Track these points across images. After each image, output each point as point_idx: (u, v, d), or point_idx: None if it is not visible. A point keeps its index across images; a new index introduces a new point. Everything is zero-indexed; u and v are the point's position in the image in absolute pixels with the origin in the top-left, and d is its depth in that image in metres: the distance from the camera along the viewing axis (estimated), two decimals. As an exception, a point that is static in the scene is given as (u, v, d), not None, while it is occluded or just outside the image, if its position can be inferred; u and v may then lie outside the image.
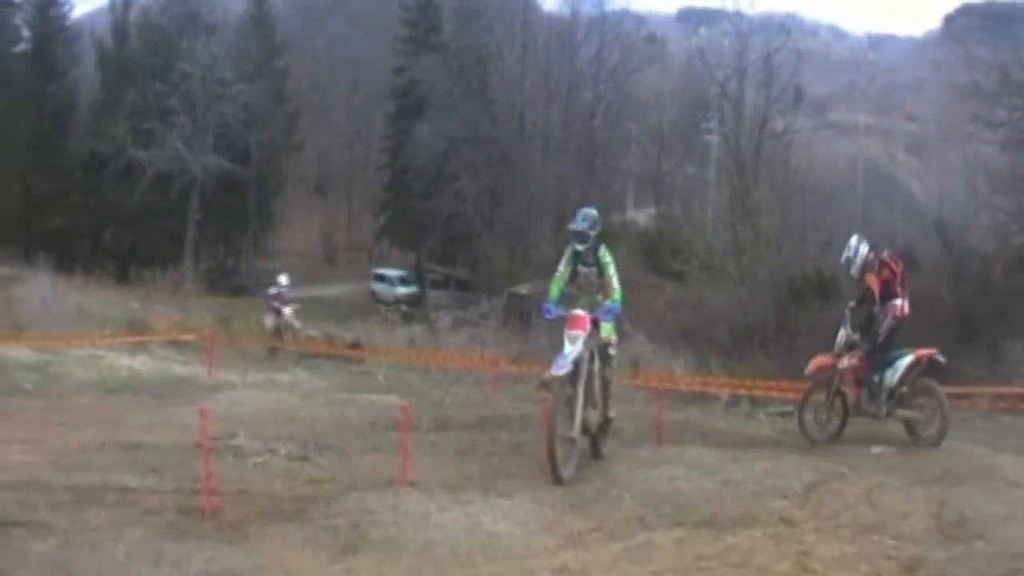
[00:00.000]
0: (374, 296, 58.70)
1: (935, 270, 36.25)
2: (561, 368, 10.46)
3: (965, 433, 14.19)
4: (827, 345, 13.92)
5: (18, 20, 61.86)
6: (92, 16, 73.35)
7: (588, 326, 10.73)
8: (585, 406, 10.70)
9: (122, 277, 54.25)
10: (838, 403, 13.36)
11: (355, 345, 30.20)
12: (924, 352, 13.25)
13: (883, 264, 13.40)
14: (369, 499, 8.83)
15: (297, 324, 29.87)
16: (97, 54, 64.33)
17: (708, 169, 65.00)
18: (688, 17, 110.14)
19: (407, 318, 50.03)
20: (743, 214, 41.81)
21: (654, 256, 51.32)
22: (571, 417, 10.40)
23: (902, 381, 13.08)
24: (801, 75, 71.97)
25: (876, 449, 12.41)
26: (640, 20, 75.97)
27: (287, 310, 29.63)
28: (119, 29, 64.79)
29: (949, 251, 38.38)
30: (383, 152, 70.52)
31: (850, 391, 13.33)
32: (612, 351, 11.44)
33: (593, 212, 11.58)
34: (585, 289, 11.59)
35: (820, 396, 13.50)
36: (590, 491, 9.60)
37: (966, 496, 9.54)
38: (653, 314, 39.30)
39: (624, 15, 70.41)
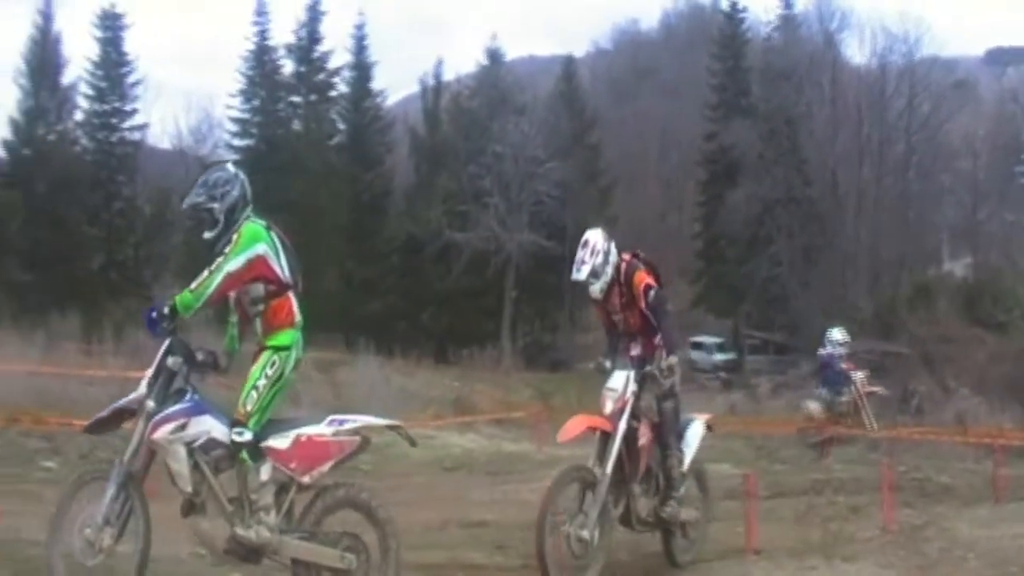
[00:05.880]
0: (692, 364, 57.68)
1: None
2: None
3: None
4: None
5: (334, 114, 64.61)
6: (404, 103, 76.08)
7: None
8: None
9: (440, 357, 55.45)
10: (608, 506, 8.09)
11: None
12: (708, 416, 9.46)
13: (648, 264, 9.04)
14: (715, 568, 8.98)
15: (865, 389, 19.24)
16: (410, 141, 66.46)
17: (1027, 213, 61.78)
18: (997, 58, 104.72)
19: (726, 385, 50.79)
20: (1067, 256, 39.25)
21: (974, 307, 48.78)
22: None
23: (694, 462, 8.85)
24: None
25: None
26: (949, 65, 72.22)
27: (859, 376, 19.26)
28: (431, 115, 66.92)
29: None
30: (696, 220, 70.08)
31: (637, 487, 8.36)
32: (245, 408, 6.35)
33: (225, 170, 6.74)
34: (245, 309, 6.71)
35: (573, 494, 7.98)
36: (933, 551, 9.43)
37: None
38: (975, 367, 37.33)
39: (934, 62, 67.62)
